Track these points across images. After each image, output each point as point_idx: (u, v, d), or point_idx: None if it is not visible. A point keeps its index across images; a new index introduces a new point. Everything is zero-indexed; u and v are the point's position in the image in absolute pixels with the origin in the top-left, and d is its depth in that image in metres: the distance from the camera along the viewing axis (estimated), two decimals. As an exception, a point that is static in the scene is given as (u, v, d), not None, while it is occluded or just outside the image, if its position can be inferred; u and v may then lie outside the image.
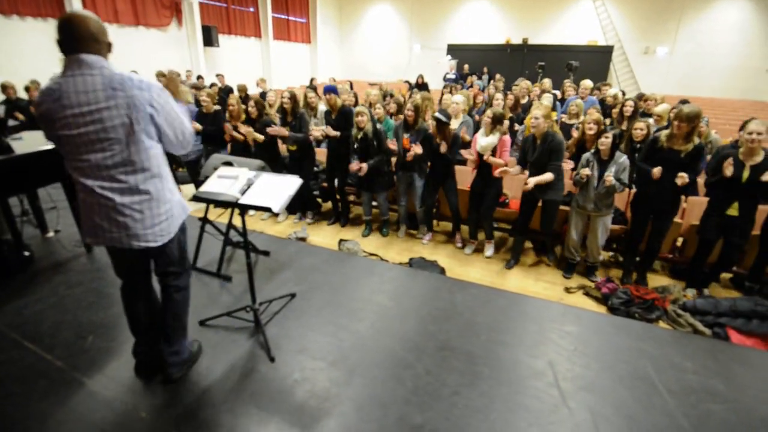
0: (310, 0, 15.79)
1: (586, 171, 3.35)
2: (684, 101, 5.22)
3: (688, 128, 3.11)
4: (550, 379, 2.23)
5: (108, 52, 1.64)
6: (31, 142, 3.22)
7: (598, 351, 2.49)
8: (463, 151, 3.83)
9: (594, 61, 13.19)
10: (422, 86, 9.73)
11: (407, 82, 11.33)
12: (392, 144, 3.97)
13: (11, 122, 3.68)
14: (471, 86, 8.67)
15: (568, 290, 3.54)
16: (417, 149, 3.83)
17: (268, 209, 2.00)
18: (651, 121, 4.22)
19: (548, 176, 3.40)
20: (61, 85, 1.53)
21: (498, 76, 9.38)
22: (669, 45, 13.23)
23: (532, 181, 3.39)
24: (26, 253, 3.28)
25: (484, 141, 3.71)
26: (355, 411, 1.96)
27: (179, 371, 2.10)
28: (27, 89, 5.90)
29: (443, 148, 3.76)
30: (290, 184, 2.18)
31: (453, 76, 10.94)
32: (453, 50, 14.51)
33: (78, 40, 1.53)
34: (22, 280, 3.04)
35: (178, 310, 2.01)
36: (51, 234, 3.75)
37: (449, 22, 15.97)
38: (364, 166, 4.01)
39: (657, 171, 3.17)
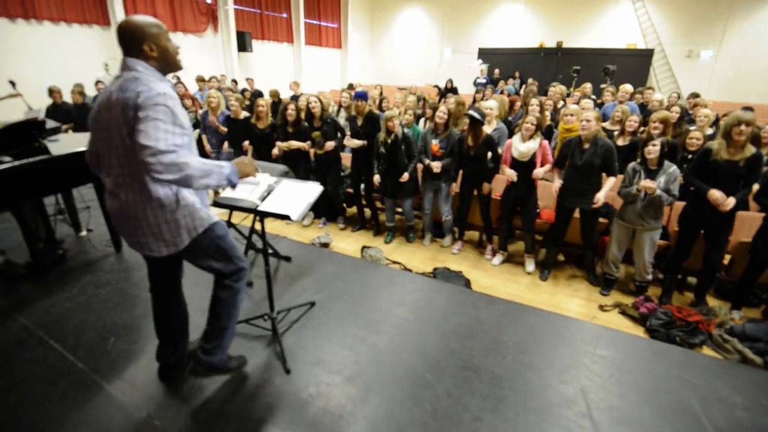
0: (342, 5, 15.93)
1: (647, 183, 3.06)
2: (748, 108, 4.84)
3: (750, 133, 2.87)
4: (582, 409, 2.06)
5: (148, 57, 1.59)
6: (67, 143, 3.33)
7: (636, 379, 2.29)
8: (507, 171, 3.62)
9: (633, 65, 12.59)
10: (450, 91, 9.58)
11: (437, 86, 11.20)
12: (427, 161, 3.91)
13: (50, 124, 3.80)
14: (502, 92, 8.44)
15: (602, 308, 3.32)
16: (436, 166, 3.77)
17: (286, 217, 1.94)
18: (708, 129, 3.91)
19: (612, 182, 3.33)
20: (111, 85, 1.59)
21: (531, 80, 9.11)
22: (714, 48, 12.47)
23: (601, 196, 3.27)
24: (60, 252, 3.39)
25: (523, 147, 3.55)
26: (370, 432, 1.87)
27: (203, 370, 2.03)
28: (71, 92, 6.18)
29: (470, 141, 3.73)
30: (311, 191, 2.12)
31: (483, 81, 10.73)
32: (484, 54, 14.24)
33: (121, 44, 1.59)
34: (55, 278, 3.13)
35: (217, 308, 1.94)
36: (84, 233, 3.87)
37: (481, 25, 15.70)
38: (406, 175, 3.98)
39: (720, 196, 2.93)
